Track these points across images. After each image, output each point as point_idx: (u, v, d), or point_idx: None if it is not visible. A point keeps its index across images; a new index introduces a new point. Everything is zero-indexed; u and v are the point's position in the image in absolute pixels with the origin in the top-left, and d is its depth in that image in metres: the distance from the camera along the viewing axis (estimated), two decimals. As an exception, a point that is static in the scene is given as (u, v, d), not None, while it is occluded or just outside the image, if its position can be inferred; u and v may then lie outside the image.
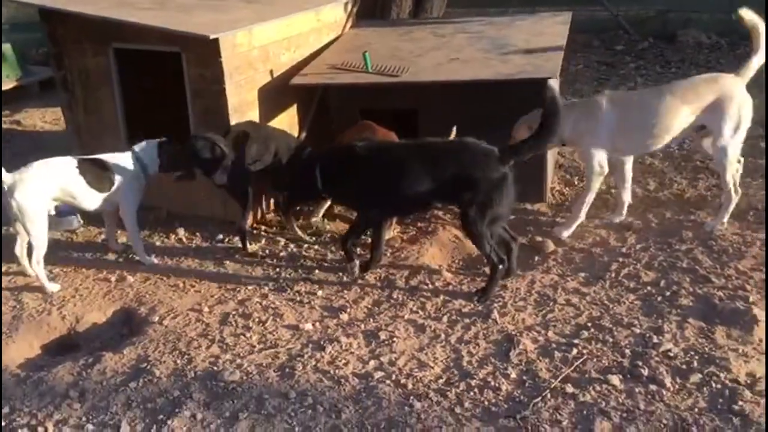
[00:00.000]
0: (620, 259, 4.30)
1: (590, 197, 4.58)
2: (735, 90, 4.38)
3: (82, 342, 3.93)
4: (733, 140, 4.39)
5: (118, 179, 4.40)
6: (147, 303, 4.10)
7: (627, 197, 4.78)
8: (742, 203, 4.89)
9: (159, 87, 5.10)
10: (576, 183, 5.44)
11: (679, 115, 4.38)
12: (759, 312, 3.60)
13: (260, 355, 3.53)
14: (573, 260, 4.36)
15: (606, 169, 4.52)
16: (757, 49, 4.42)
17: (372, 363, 3.44)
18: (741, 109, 4.36)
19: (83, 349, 3.83)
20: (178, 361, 3.51)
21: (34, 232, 4.14)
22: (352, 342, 3.62)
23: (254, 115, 4.89)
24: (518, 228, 4.74)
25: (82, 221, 5.10)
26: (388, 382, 3.30)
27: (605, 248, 4.45)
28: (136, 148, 4.52)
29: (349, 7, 6.07)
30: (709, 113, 4.38)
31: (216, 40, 4.41)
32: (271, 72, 5.03)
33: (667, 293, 3.90)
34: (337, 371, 3.39)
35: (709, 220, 4.62)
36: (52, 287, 4.24)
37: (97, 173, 4.35)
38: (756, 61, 4.47)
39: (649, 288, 3.97)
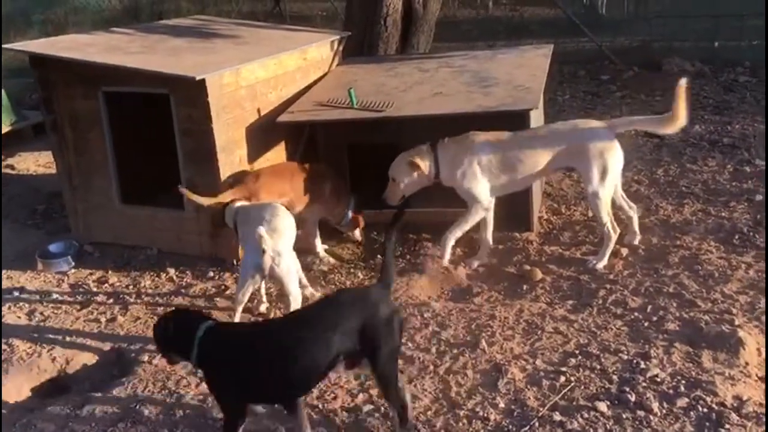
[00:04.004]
0: (607, 286, 4.33)
1: (466, 227, 4.62)
2: (597, 136, 4.49)
3: (73, 383, 3.93)
4: (602, 183, 4.48)
5: None
6: (137, 343, 4.10)
7: (490, 239, 4.77)
8: (726, 227, 4.96)
9: (148, 128, 5.16)
10: (563, 211, 5.49)
11: (543, 156, 4.49)
12: (744, 335, 3.62)
13: (249, 392, 3.54)
14: (561, 288, 4.38)
15: (492, 203, 4.58)
16: (671, 114, 4.40)
17: (361, 396, 3.45)
18: (604, 154, 4.45)
19: (73, 391, 3.83)
20: (168, 400, 3.52)
21: (294, 288, 3.94)
22: (341, 376, 3.62)
23: (242, 154, 4.96)
24: (506, 257, 4.79)
25: (73, 263, 5.12)
26: (377, 415, 3.30)
27: (593, 275, 4.48)
28: None
29: (335, 45, 6.18)
30: (574, 157, 4.50)
31: (203, 81, 4.49)
32: (259, 110, 5.11)
33: (654, 318, 3.93)
34: (326, 405, 3.39)
35: (592, 258, 4.64)
36: None
37: None
38: (637, 122, 4.71)
39: (636, 314, 4.00)
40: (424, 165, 4.54)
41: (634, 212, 4.84)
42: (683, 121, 4.41)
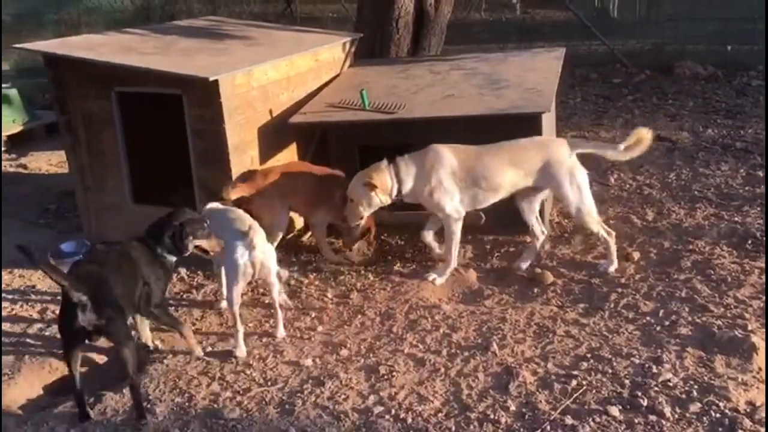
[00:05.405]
0: (619, 290, 4.31)
1: (456, 242, 4.56)
2: (562, 156, 4.45)
3: (84, 382, 3.93)
4: (581, 197, 4.46)
5: None
6: (148, 342, 4.11)
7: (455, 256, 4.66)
8: (739, 231, 4.93)
9: (160, 128, 5.18)
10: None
11: (508, 174, 4.44)
12: (757, 340, 3.60)
13: (260, 392, 3.54)
14: (572, 291, 4.37)
15: (462, 213, 4.51)
16: (627, 147, 4.55)
17: (372, 398, 3.45)
18: (571, 172, 4.43)
19: (85, 389, 3.83)
20: (179, 399, 3.52)
21: (275, 278, 4.02)
22: (351, 377, 3.62)
23: (254, 154, 4.98)
24: (517, 260, 4.77)
25: (85, 262, 5.14)
26: (387, 416, 3.30)
27: (604, 279, 4.47)
28: None
29: (347, 47, 6.19)
30: (542, 177, 4.45)
31: (215, 82, 4.51)
32: (271, 111, 5.12)
33: (666, 323, 3.91)
34: (336, 407, 3.39)
35: (602, 262, 4.62)
36: (282, 333, 4.07)
37: None
38: (597, 149, 4.68)
39: (648, 318, 3.98)
40: (382, 184, 4.41)
41: (543, 238, 4.73)
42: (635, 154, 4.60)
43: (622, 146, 4.58)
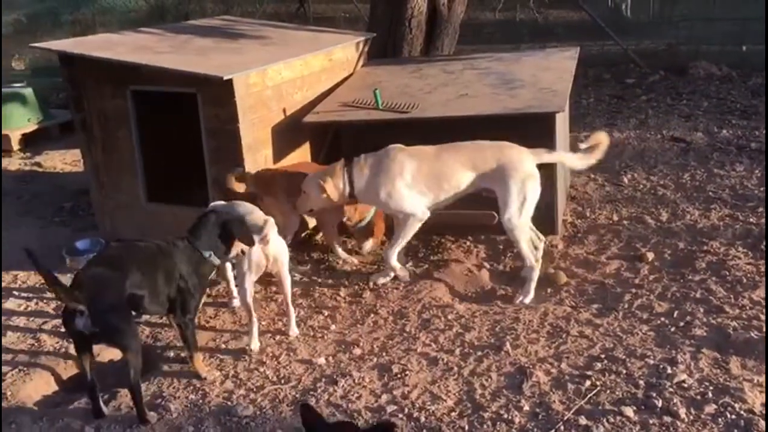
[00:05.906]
0: (633, 290, 4.30)
1: (405, 238, 4.48)
2: (520, 163, 4.32)
3: (99, 379, 3.95)
4: (519, 212, 4.29)
5: None
6: (162, 339, 4.14)
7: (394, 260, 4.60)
8: (754, 232, 4.90)
9: (174, 127, 5.21)
10: (588, 215, 5.45)
11: (465, 174, 4.36)
12: (773, 341, 3.58)
13: (273, 390, 3.55)
14: (586, 292, 4.36)
15: (428, 213, 4.44)
16: (589, 152, 4.49)
17: (384, 396, 3.45)
18: (525, 182, 4.28)
19: (99, 386, 3.86)
20: (193, 397, 3.54)
21: (287, 273, 4.08)
22: (364, 376, 3.63)
23: (268, 153, 4.99)
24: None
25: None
26: (400, 415, 3.30)
27: (618, 279, 4.45)
28: None
29: (361, 46, 6.20)
30: (493, 180, 4.35)
31: (230, 81, 4.52)
32: (285, 111, 5.13)
33: (681, 324, 3.89)
34: (349, 405, 3.40)
35: (519, 294, 4.35)
36: (295, 331, 4.11)
37: None
38: (564, 157, 4.57)
39: (662, 319, 3.96)
40: (332, 189, 4.37)
41: (541, 244, 4.62)
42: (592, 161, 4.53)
43: (583, 145, 4.52)
